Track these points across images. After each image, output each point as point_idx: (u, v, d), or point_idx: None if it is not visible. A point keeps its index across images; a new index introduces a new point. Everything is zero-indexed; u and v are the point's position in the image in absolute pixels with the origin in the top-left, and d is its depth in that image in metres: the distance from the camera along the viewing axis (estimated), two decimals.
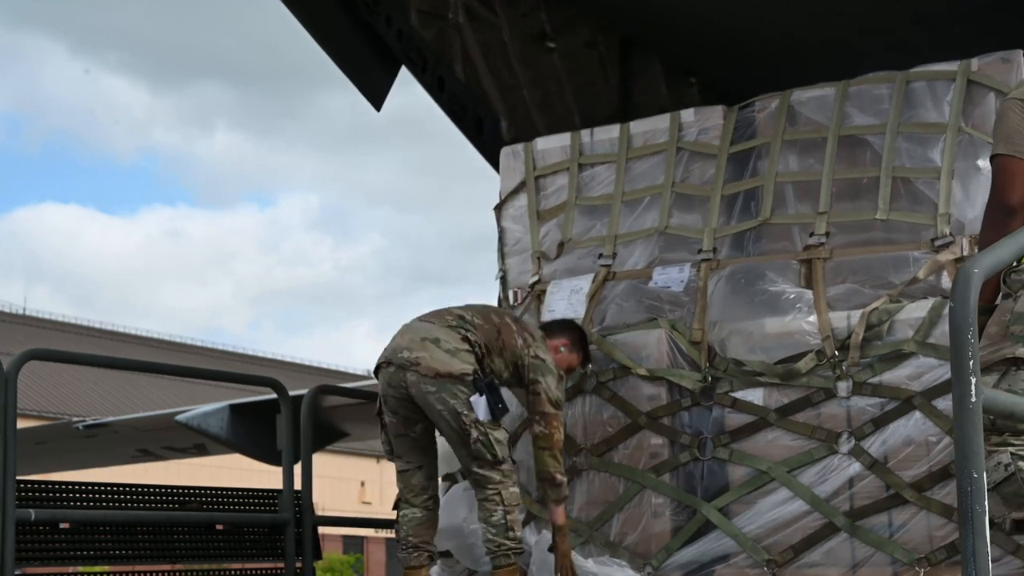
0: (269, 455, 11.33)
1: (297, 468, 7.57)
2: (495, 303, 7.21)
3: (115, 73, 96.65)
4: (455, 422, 5.87)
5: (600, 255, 6.84)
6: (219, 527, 7.42)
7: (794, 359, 6.08)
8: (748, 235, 6.48)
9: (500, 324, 6.11)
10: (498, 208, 7.30)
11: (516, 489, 6.05)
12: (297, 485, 7.56)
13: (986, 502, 3.13)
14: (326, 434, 15.44)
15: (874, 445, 5.87)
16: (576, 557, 6.28)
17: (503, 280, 7.20)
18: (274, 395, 7.77)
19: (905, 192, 6.17)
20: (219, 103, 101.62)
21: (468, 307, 6.24)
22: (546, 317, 6.82)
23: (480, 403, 5.84)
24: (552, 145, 7.19)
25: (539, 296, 6.96)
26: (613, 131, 7.02)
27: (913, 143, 6.21)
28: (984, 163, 5.80)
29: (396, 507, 6.30)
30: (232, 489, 7.75)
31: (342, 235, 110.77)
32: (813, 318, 6.08)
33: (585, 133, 7.11)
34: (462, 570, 6.72)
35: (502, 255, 7.23)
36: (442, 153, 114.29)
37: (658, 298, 6.55)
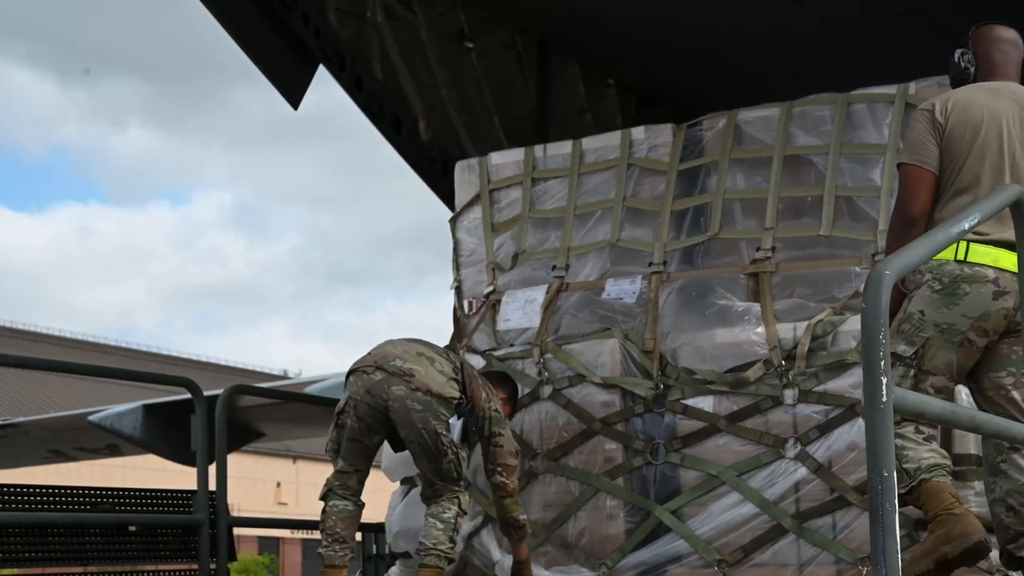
0: (183, 455, 11.35)
1: (212, 469, 7.56)
2: (450, 312, 7.45)
3: (22, 66, 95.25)
4: (432, 442, 6.06)
5: (553, 267, 7.10)
6: (132, 528, 7.41)
7: (743, 368, 6.37)
8: (697, 249, 6.77)
9: (471, 375, 6.31)
10: (453, 220, 7.52)
11: (468, 498, 6.32)
12: (212, 486, 7.55)
13: (896, 500, 3.22)
14: (241, 434, 15.42)
15: (819, 450, 6.18)
16: (534, 567, 6.56)
17: (458, 290, 7.42)
18: (188, 395, 7.77)
19: (847, 210, 6.49)
20: (130, 99, 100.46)
21: (449, 350, 6.52)
22: (501, 327, 7.07)
23: (456, 425, 6.05)
24: (506, 160, 7.42)
25: (494, 306, 7.20)
26: (565, 147, 7.27)
27: (855, 163, 6.54)
28: None
29: (324, 498, 6.33)
30: (145, 490, 7.77)
31: (257, 233, 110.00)
32: (761, 329, 6.38)
33: (538, 148, 7.35)
34: None
35: (457, 266, 7.45)
36: (358, 151, 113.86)
37: (611, 309, 6.82)
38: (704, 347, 6.49)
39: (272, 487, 44.26)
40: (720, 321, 6.50)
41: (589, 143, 7.23)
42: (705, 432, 6.42)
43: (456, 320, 7.39)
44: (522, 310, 7.06)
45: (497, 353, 6.99)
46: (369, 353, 6.30)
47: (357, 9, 10.67)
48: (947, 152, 4.84)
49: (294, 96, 11.47)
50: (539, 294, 7.06)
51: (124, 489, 7.67)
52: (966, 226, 3.87)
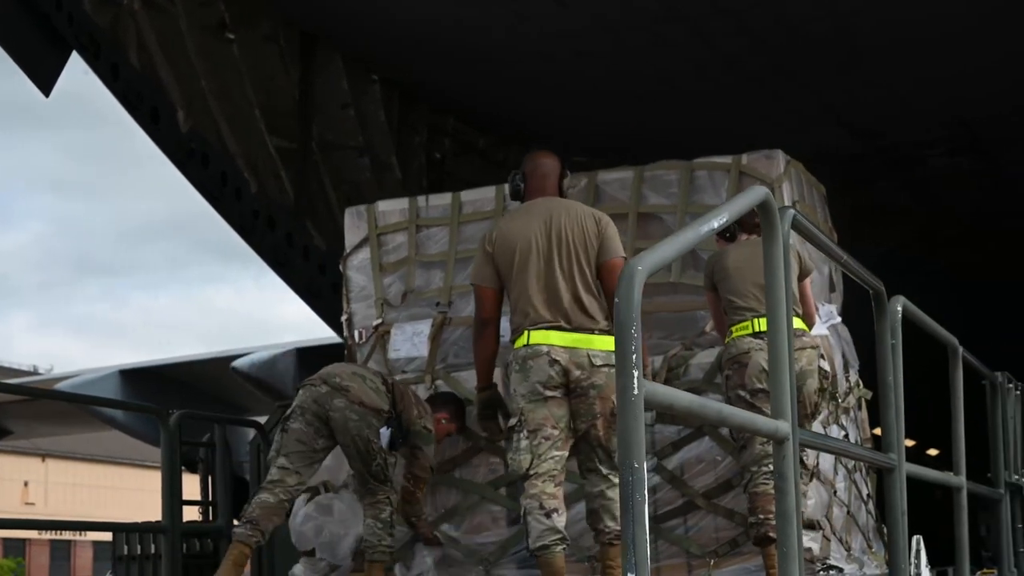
0: None
1: None
2: (338, 334, 8.40)
3: None
4: (364, 447, 7.11)
5: (437, 303, 8.16)
6: None
7: None
8: None
9: (403, 392, 7.38)
10: (344, 259, 8.48)
11: (398, 498, 7.37)
12: None
13: (646, 491, 3.47)
14: None
15: (672, 462, 7.42)
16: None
17: (348, 322, 8.39)
18: None
19: (693, 261, 7.74)
20: None
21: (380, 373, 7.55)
22: (392, 355, 8.10)
23: (385, 434, 7.14)
24: (392, 207, 8.43)
25: (383, 336, 8.21)
26: (446, 198, 8.34)
27: None
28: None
29: (248, 499, 7.19)
30: None
31: None
32: None
33: (421, 199, 8.39)
34: (324, 566, 7.89)
35: (347, 300, 8.42)
36: (111, 137, 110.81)
37: None
38: None
39: (19, 487, 43.36)
40: None
41: (467, 195, 8.30)
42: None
43: (348, 348, 8.37)
44: (410, 341, 8.10)
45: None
46: (317, 374, 7.29)
47: None
48: (501, 270, 6.66)
49: (45, 83, 11.41)
50: (425, 327, 8.11)
51: None
52: (715, 224, 4.03)
